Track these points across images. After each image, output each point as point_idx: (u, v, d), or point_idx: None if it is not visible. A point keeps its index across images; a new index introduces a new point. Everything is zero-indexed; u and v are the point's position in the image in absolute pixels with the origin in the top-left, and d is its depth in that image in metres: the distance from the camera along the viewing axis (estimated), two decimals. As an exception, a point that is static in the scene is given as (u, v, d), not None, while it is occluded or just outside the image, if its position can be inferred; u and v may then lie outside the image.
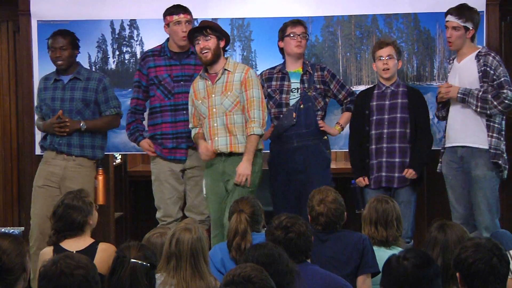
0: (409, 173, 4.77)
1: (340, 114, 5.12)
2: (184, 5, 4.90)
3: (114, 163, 6.19)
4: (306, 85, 4.90)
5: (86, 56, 5.41)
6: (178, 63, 4.89)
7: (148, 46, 5.26)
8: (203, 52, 4.53)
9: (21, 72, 5.57)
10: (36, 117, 5.18)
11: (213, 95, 4.58)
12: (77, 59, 5.10)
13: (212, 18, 5.24)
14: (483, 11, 5.17)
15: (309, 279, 3.11)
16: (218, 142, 4.55)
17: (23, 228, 5.39)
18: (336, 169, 5.28)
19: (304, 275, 3.00)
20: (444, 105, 4.83)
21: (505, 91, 4.54)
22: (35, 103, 5.17)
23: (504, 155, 4.63)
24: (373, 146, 4.85)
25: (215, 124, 4.57)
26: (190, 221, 3.33)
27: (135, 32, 5.45)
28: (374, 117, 4.85)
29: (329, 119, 5.10)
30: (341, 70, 5.36)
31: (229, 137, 4.55)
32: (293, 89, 4.91)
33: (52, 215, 3.70)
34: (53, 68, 5.04)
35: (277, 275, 2.70)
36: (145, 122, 5.02)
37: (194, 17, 4.96)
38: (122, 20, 5.44)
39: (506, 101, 4.54)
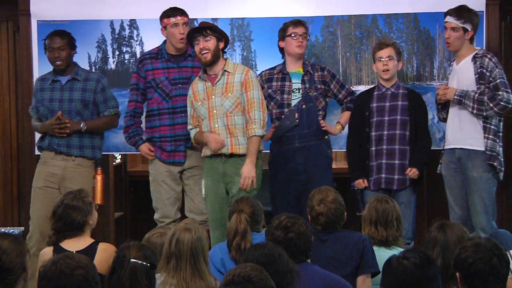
0: (412, 172, 4.78)
1: (339, 114, 5.13)
2: (184, 5, 4.90)
3: (114, 163, 6.19)
4: (307, 85, 4.90)
5: (86, 56, 5.41)
6: (176, 66, 4.88)
7: (148, 46, 5.26)
8: (203, 52, 4.52)
9: (21, 72, 5.57)
10: (32, 118, 5.16)
11: (213, 97, 4.57)
12: (78, 59, 5.10)
13: (212, 18, 5.24)
14: (483, 11, 5.18)
15: (309, 279, 3.11)
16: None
17: (23, 228, 5.38)
18: (336, 169, 5.27)
19: (304, 275, 3.00)
20: (444, 106, 4.83)
21: (500, 93, 4.55)
22: (32, 104, 5.13)
23: (500, 156, 4.63)
24: (373, 148, 4.86)
25: (216, 126, 4.56)
26: (190, 221, 3.33)
27: (135, 32, 5.45)
28: (375, 119, 4.85)
29: (329, 119, 5.10)
30: (341, 70, 5.36)
31: (230, 138, 4.55)
32: (295, 90, 4.91)
33: (52, 215, 3.69)
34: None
35: (277, 275, 2.70)
36: (142, 125, 5.02)
37: (194, 17, 4.96)
38: (122, 20, 5.44)
39: (502, 103, 4.55)
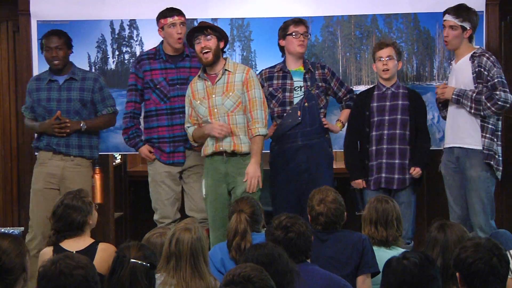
0: (416, 171, 4.79)
1: (339, 113, 5.12)
2: (184, 5, 4.90)
3: (114, 163, 6.19)
4: (309, 83, 4.90)
5: (85, 56, 5.41)
6: (174, 67, 4.87)
7: (147, 46, 5.25)
8: (204, 52, 4.52)
9: (20, 72, 5.57)
10: (25, 117, 5.11)
11: (214, 96, 4.57)
12: (78, 59, 5.11)
13: (212, 18, 5.24)
14: (482, 11, 5.18)
15: (309, 279, 3.11)
16: (221, 142, 4.54)
17: (23, 228, 5.37)
18: (336, 169, 5.27)
19: (304, 275, 3.00)
20: (445, 105, 4.84)
21: (498, 92, 4.55)
22: (26, 103, 5.08)
23: (497, 156, 4.63)
24: (373, 148, 4.86)
25: None
26: (190, 221, 3.33)
27: (135, 32, 5.45)
28: (375, 118, 4.85)
29: (329, 119, 5.09)
30: (340, 70, 5.36)
31: (231, 137, 4.55)
32: (296, 87, 4.90)
33: (52, 215, 3.69)
34: (53, 68, 5.05)
35: (277, 275, 2.70)
36: (141, 126, 5.02)
37: (194, 17, 4.95)
38: (121, 20, 5.44)
39: (499, 102, 4.54)
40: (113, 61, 5.46)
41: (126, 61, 5.44)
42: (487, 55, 4.64)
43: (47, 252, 3.58)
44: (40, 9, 5.40)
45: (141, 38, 5.44)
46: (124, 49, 5.46)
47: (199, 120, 4.64)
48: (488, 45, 5.24)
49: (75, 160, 4.94)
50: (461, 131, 4.69)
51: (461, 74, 4.70)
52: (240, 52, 5.42)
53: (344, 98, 5.04)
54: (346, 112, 5.03)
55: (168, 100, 4.85)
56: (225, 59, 4.64)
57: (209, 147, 4.59)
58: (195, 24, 5.03)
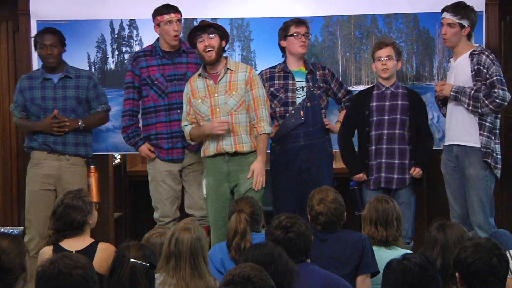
0: (417, 171, 4.79)
1: (338, 114, 5.12)
2: (184, 5, 4.89)
3: (113, 163, 6.18)
4: (311, 84, 4.90)
5: (85, 56, 5.41)
6: (171, 63, 4.87)
7: (147, 46, 5.26)
8: (207, 50, 4.50)
9: (20, 72, 5.55)
10: (14, 116, 5.08)
11: (216, 95, 4.56)
12: (77, 59, 5.12)
13: (212, 18, 5.23)
14: (482, 11, 5.18)
15: (309, 279, 3.11)
16: (222, 142, 4.54)
17: (23, 228, 5.37)
18: (336, 169, 5.26)
19: (304, 275, 3.00)
20: (444, 102, 4.84)
21: (496, 90, 4.54)
22: (17, 102, 5.04)
23: (495, 154, 4.63)
24: (373, 147, 4.85)
25: None
26: (190, 221, 3.33)
27: (135, 32, 5.45)
28: (374, 118, 4.85)
29: (328, 119, 5.09)
30: (340, 70, 5.36)
31: (233, 137, 4.54)
32: (298, 88, 4.91)
33: (52, 214, 3.69)
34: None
35: (277, 274, 2.70)
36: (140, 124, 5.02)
37: (193, 17, 4.94)
38: (121, 20, 5.44)
39: (498, 100, 4.54)
40: (113, 61, 5.46)
41: (125, 61, 5.44)
42: (486, 53, 4.64)
43: (47, 252, 3.58)
44: (40, 9, 5.40)
45: (140, 38, 5.44)
46: (123, 49, 5.46)
47: (197, 118, 4.64)
48: (488, 45, 5.23)
49: (71, 160, 4.94)
50: (460, 129, 4.68)
51: (460, 72, 4.70)
52: (240, 52, 5.42)
53: (343, 99, 5.05)
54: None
55: (166, 96, 4.85)
56: (226, 58, 4.64)
57: (210, 149, 4.59)
58: (195, 24, 5.03)
